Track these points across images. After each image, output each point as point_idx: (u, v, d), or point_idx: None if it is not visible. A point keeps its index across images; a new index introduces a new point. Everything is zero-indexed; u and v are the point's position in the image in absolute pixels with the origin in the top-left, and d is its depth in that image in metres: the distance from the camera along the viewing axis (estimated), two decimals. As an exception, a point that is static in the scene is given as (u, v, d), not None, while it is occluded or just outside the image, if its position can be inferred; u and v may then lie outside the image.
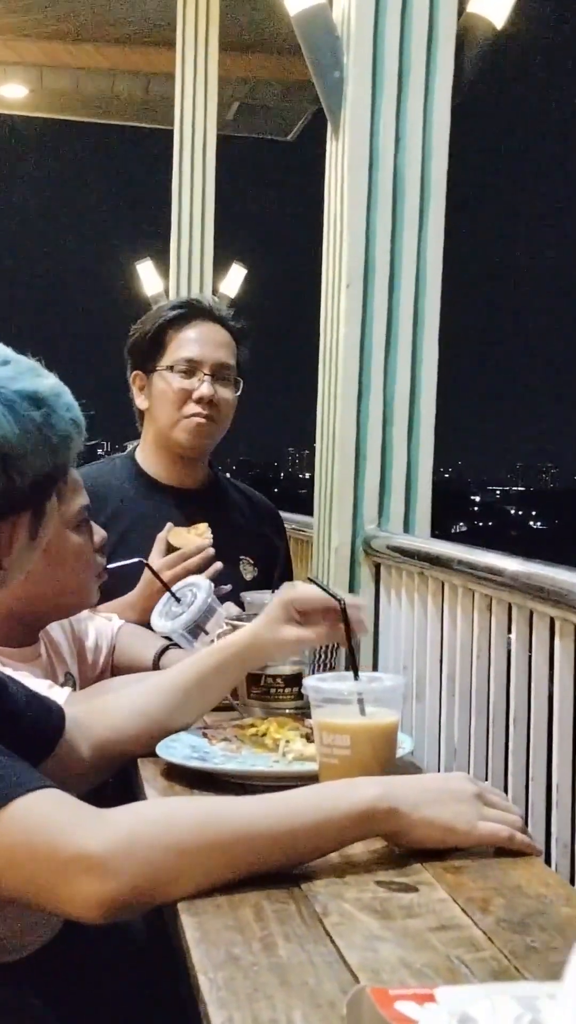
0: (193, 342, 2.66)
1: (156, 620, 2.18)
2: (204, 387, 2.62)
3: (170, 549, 2.44)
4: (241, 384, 2.70)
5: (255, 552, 2.72)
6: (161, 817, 1.20)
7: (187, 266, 7.00)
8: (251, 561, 2.70)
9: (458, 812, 1.29)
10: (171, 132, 7.06)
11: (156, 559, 2.40)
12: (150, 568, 2.31)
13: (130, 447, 2.89)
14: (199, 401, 2.62)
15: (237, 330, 2.72)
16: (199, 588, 2.19)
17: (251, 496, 2.90)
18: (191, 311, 2.70)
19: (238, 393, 2.70)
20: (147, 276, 8.89)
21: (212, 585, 2.22)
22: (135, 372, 2.74)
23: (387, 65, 2.95)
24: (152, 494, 2.69)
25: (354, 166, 2.95)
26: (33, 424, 1.29)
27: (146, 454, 2.74)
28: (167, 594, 2.22)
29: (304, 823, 1.22)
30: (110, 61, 8.56)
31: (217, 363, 2.65)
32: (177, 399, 2.64)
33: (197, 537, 2.46)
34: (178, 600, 2.18)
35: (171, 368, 2.65)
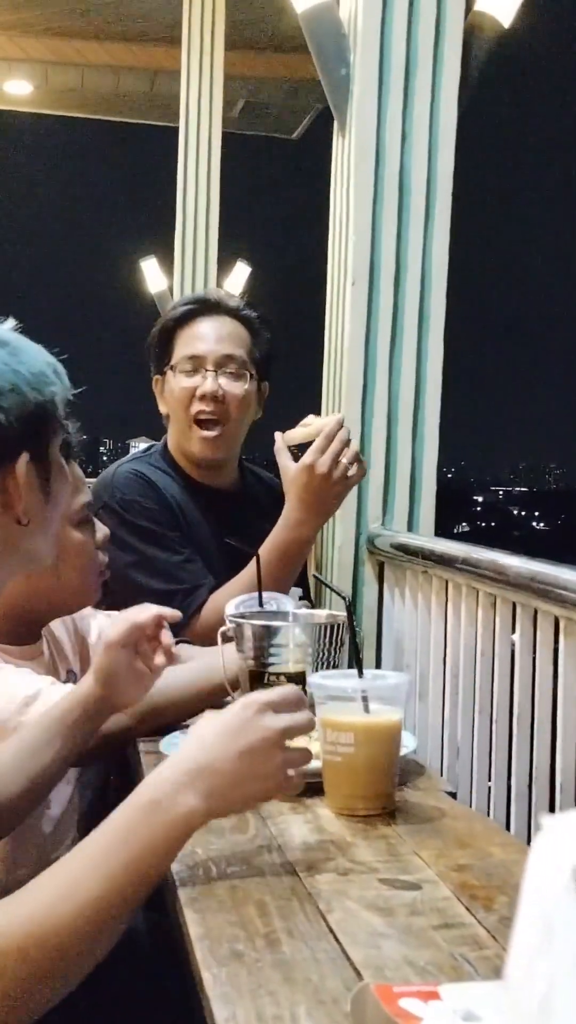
0: (196, 339, 2.60)
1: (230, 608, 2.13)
2: (208, 383, 2.56)
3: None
4: (253, 378, 2.61)
5: None
6: None
7: (191, 264, 7.00)
8: None
9: (267, 777, 1.24)
10: (176, 129, 7.06)
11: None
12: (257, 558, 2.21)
13: (143, 445, 2.85)
14: (203, 398, 2.57)
15: (250, 320, 2.65)
16: (282, 602, 2.16)
17: (269, 483, 2.85)
18: (199, 307, 2.64)
19: (249, 387, 2.60)
20: (151, 273, 8.89)
21: (294, 605, 2.19)
22: (155, 377, 2.69)
23: (394, 63, 2.94)
24: (190, 493, 2.64)
25: (360, 164, 2.94)
26: (1, 362, 1.29)
27: (174, 454, 2.69)
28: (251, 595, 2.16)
29: (129, 875, 1.11)
30: (115, 58, 8.56)
31: (221, 356, 2.58)
32: (183, 398, 2.58)
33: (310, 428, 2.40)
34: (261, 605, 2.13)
35: (175, 368, 2.61)
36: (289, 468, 2.36)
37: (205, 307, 2.64)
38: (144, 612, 1.71)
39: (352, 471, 2.36)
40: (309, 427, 2.39)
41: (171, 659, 1.73)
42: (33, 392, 1.32)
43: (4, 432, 1.29)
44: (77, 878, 1.10)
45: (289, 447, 2.38)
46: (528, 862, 0.57)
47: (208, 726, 1.25)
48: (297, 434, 2.39)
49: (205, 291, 2.76)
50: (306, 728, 1.30)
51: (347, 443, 2.36)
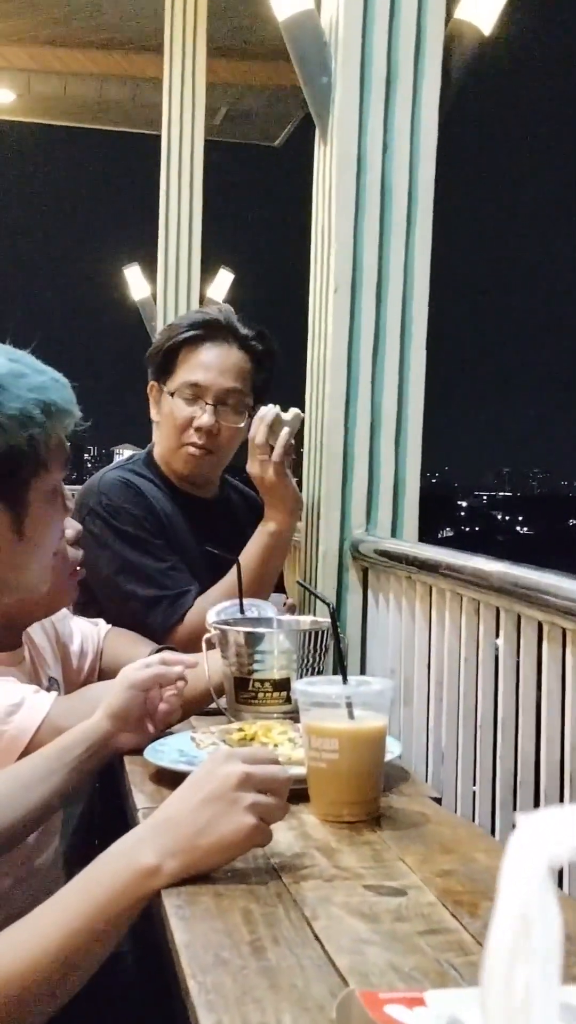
0: (200, 367, 2.60)
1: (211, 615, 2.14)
2: (205, 417, 2.57)
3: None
4: (251, 413, 2.62)
5: None
6: None
7: (175, 271, 7.01)
8: None
9: (233, 825, 1.21)
10: (159, 137, 7.07)
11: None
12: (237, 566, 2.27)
13: (127, 452, 2.86)
14: (198, 430, 2.58)
15: (256, 352, 2.66)
16: (263, 609, 2.18)
17: (247, 496, 2.88)
18: (206, 331, 2.62)
19: (244, 423, 2.61)
20: (135, 281, 8.88)
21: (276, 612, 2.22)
22: (152, 383, 2.70)
23: (375, 71, 2.95)
24: (173, 501, 2.67)
25: (342, 171, 2.95)
26: None
27: (160, 462, 2.70)
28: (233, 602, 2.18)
29: (90, 925, 1.12)
30: (98, 66, 8.57)
31: (222, 390, 2.59)
32: (179, 425, 2.60)
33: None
34: (242, 612, 2.15)
35: (175, 394, 2.60)
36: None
37: (214, 332, 2.62)
38: (172, 668, 1.72)
39: (277, 447, 2.48)
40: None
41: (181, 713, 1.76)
42: (4, 436, 1.32)
43: None
44: (41, 925, 1.12)
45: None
46: (503, 860, 0.57)
47: (183, 784, 1.26)
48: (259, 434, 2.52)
49: (215, 312, 2.71)
50: (274, 783, 1.27)
51: (254, 441, 2.49)
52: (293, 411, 2.53)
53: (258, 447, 2.48)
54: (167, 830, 1.20)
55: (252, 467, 2.50)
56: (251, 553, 2.49)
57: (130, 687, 1.68)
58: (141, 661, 1.79)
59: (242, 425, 2.61)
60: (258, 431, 2.48)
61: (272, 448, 2.48)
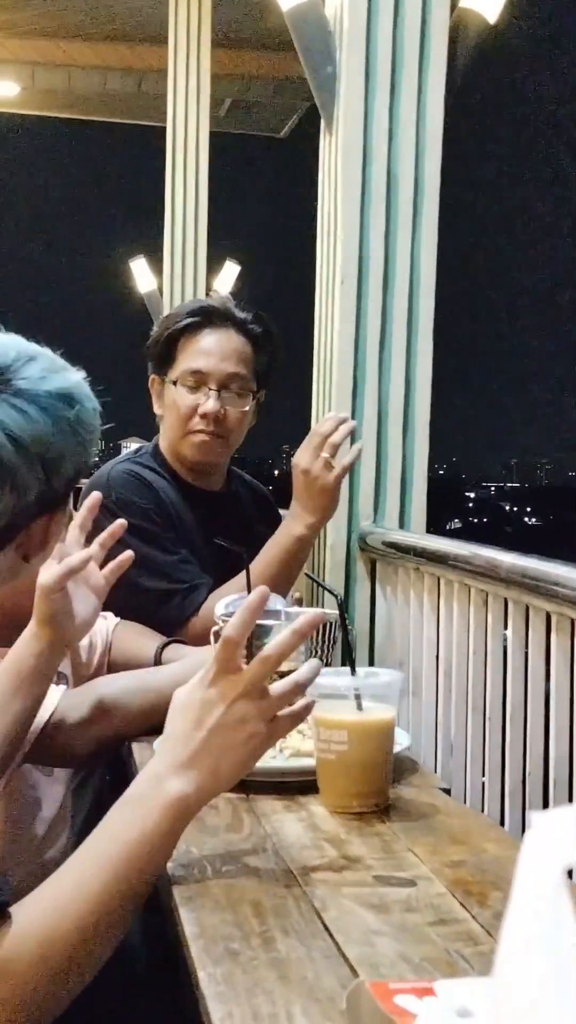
0: (201, 353, 2.57)
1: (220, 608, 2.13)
2: (210, 403, 2.54)
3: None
4: (254, 396, 2.60)
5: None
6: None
7: (180, 263, 7.00)
8: None
9: (252, 738, 1.23)
10: (164, 129, 7.06)
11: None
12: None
13: (134, 445, 2.84)
14: (204, 417, 2.55)
15: (255, 335, 2.63)
16: (272, 602, 2.16)
17: (254, 488, 2.87)
18: (204, 318, 2.59)
19: (250, 406, 2.60)
20: (140, 274, 8.88)
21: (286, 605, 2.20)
22: (152, 376, 2.67)
23: (380, 60, 2.94)
24: (181, 494, 2.65)
25: (347, 161, 2.94)
26: (68, 424, 1.24)
27: (166, 455, 2.68)
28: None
29: (130, 867, 1.13)
30: (102, 58, 8.57)
31: (225, 375, 2.56)
32: (184, 414, 2.57)
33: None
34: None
35: (177, 382, 2.58)
36: None
37: (212, 317, 2.60)
38: (73, 556, 1.70)
39: (335, 465, 2.42)
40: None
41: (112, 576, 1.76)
42: (84, 453, 1.30)
43: (50, 495, 1.25)
44: (81, 878, 1.13)
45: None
46: (519, 860, 0.57)
47: (172, 718, 1.26)
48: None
49: (211, 299, 2.68)
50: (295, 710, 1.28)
51: (326, 437, 2.43)
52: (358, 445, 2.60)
53: (328, 443, 2.44)
54: (186, 763, 1.20)
55: (306, 459, 2.45)
56: (272, 556, 2.44)
57: (44, 594, 1.66)
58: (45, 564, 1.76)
59: (247, 409, 2.60)
60: (335, 430, 2.45)
61: (331, 449, 2.44)
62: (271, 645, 1.28)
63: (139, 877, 1.14)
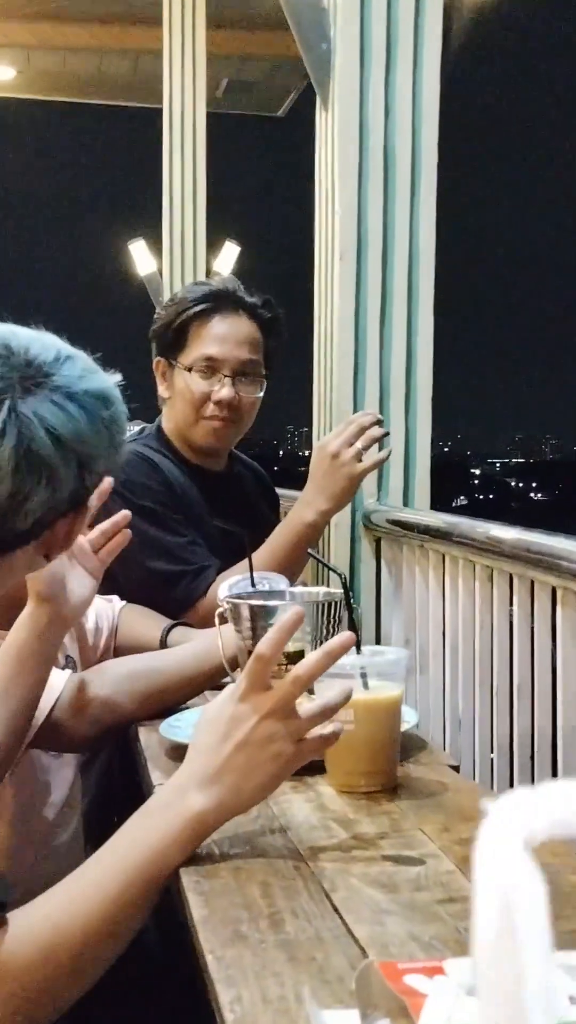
0: (214, 340, 2.55)
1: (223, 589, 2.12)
2: (225, 390, 2.53)
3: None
4: (266, 381, 2.60)
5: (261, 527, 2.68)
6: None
7: (180, 245, 6.98)
8: None
9: (278, 758, 1.22)
10: (160, 111, 7.03)
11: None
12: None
13: (136, 427, 2.82)
14: (218, 403, 2.54)
15: (265, 320, 2.61)
16: (274, 582, 2.15)
17: (255, 470, 2.87)
18: (216, 303, 2.57)
19: (263, 389, 2.60)
20: (140, 256, 8.85)
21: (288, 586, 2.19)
22: (158, 359, 2.65)
23: (375, 36, 2.92)
24: (186, 475, 2.64)
25: (344, 138, 2.93)
26: (103, 424, 1.25)
27: (171, 437, 2.67)
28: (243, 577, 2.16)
29: (142, 875, 1.15)
30: (97, 40, 8.51)
31: (239, 362, 2.55)
32: (197, 400, 2.55)
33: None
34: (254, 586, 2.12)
35: (191, 368, 2.56)
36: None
37: (223, 303, 2.58)
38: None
39: (366, 456, 2.42)
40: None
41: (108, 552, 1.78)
42: (116, 453, 1.30)
43: (82, 493, 1.25)
44: (93, 880, 1.14)
45: None
46: (476, 849, 0.57)
47: (201, 730, 1.26)
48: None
49: (218, 282, 2.68)
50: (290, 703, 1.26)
51: (364, 429, 2.42)
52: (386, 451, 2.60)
53: (367, 435, 2.43)
54: (210, 778, 1.21)
55: (336, 444, 2.43)
56: (282, 542, 2.43)
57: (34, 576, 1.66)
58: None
59: (260, 394, 2.60)
60: (373, 425, 2.45)
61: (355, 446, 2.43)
62: (302, 665, 1.27)
63: (151, 885, 1.16)
